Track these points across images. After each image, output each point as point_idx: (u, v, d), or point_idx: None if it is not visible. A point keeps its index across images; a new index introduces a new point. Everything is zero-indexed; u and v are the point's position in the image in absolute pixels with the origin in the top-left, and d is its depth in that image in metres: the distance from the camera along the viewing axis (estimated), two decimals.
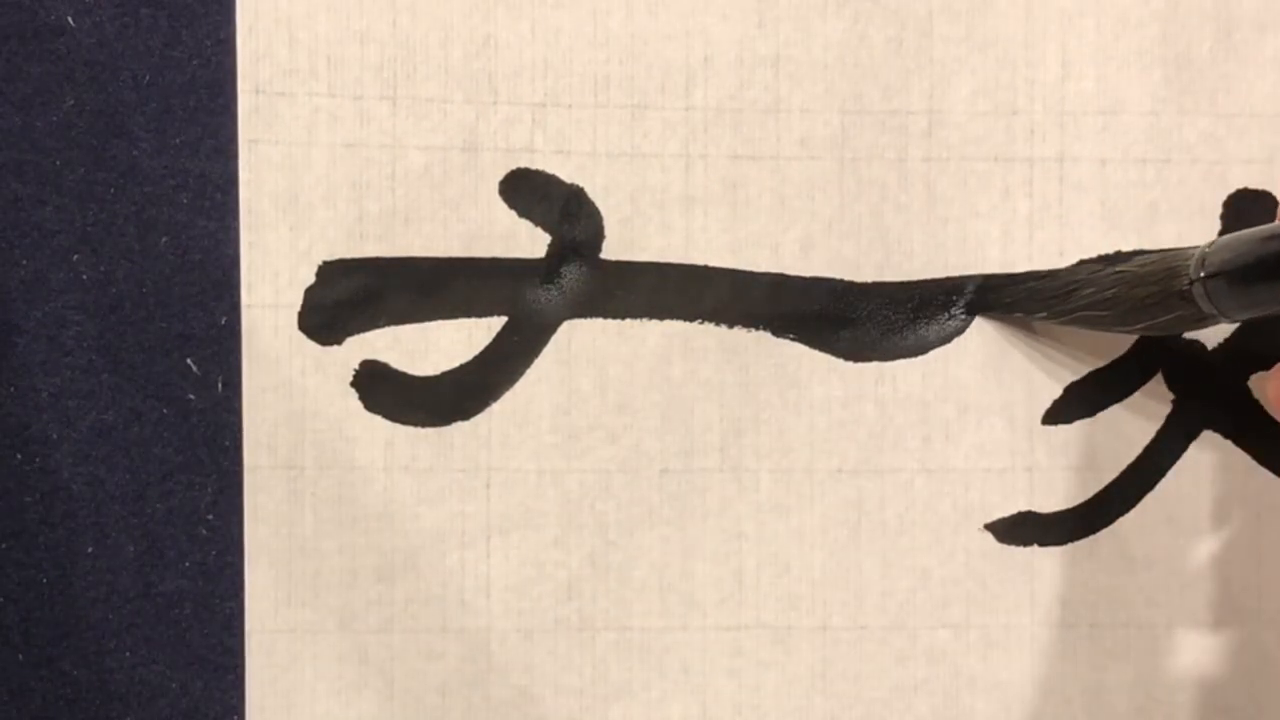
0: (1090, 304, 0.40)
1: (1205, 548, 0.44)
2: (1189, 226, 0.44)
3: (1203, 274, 0.37)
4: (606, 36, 0.41)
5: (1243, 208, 0.44)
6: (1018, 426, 0.43)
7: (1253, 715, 0.44)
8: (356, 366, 0.41)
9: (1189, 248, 0.38)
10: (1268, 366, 0.44)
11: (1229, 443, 0.44)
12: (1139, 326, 0.39)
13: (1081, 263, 0.42)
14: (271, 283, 0.40)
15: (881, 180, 0.42)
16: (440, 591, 0.41)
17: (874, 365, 0.43)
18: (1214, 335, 0.44)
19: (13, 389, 0.39)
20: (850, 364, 0.43)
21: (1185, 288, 0.37)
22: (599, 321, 0.42)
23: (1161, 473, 0.44)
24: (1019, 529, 0.43)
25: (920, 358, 0.43)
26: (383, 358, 0.41)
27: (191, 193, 0.40)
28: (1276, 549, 0.44)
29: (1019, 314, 0.42)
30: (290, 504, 0.41)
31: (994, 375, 0.43)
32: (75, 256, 0.40)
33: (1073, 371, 0.43)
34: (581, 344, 0.42)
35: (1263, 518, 0.44)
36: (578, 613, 0.42)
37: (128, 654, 0.40)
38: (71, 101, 0.39)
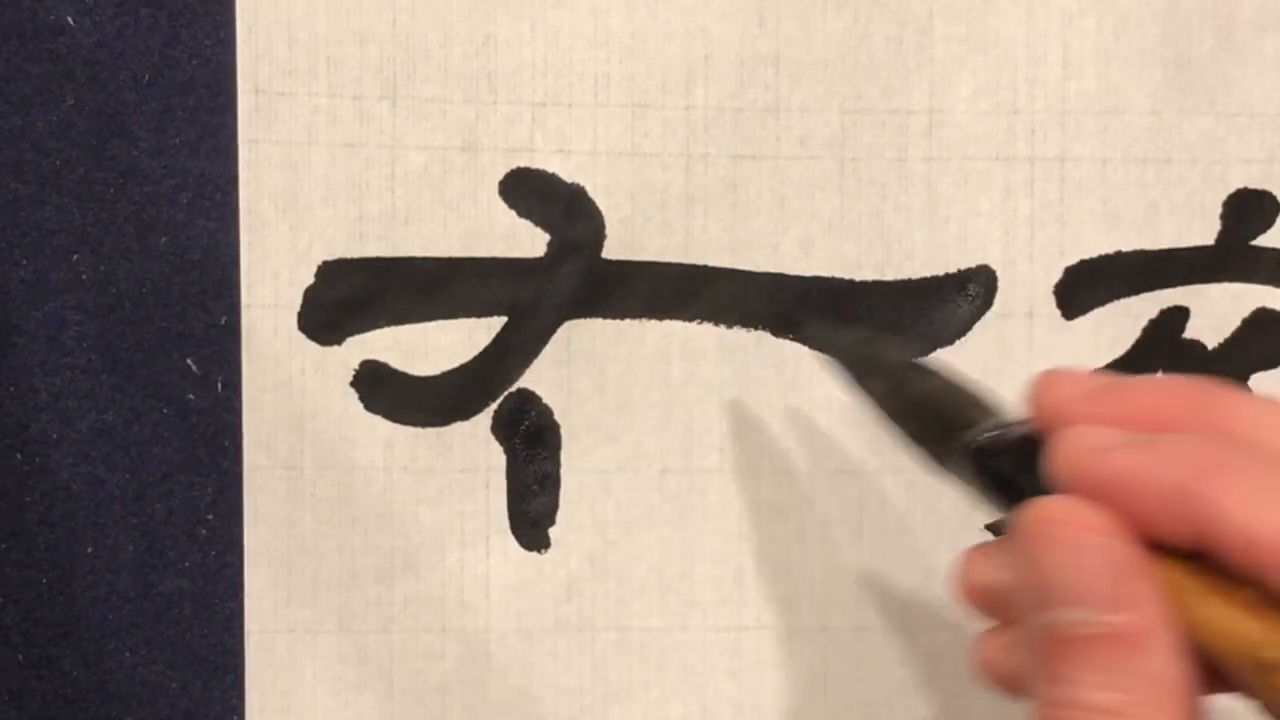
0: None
1: None
2: (1189, 227, 0.44)
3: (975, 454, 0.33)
4: (606, 36, 0.41)
5: (1243, 208, 0.44)
6: None
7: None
8: (356, 366, 0.41)
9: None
10: (1268, 367, 0.44)
11: None
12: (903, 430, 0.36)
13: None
14: (271, 283, 0.40)
15: (882, 180, 0.42)
16: (440, 592, 0.41)
17: None
18: (1214, 335, 0.44)
19: (13, 389, 0.39)
20: None
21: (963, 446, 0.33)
22: (598, 321, 0.42)
23: None
24: None
25: (921, 358, 0.43)
26: (383, 358, 0.41)
27: (191, 193, 0.40)
28: None
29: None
30: (290, 504, 0.41)
31: (994, 375, 0.43)
32: (75, 256, 0.39)
33: None
34: (581, 344, 0.42)
35: None
36: (578, 613, 0.42)
37: (127, 654, 0.40)
38: (71, 101, 0.39)
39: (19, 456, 0.40)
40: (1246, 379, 0.44)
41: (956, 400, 0.35)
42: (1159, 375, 0.30)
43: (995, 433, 0.32)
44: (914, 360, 0.38)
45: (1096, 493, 0.28)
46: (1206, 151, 0.43)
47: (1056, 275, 0.43)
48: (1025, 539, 0.28)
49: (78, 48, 0.39)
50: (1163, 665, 0.26)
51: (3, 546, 0.40)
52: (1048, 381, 0.30)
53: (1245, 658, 0.25)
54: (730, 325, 0.42)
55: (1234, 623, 0.26)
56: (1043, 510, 0.28)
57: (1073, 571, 0.27)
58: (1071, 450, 0.29)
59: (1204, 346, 0.44)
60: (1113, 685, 0.26)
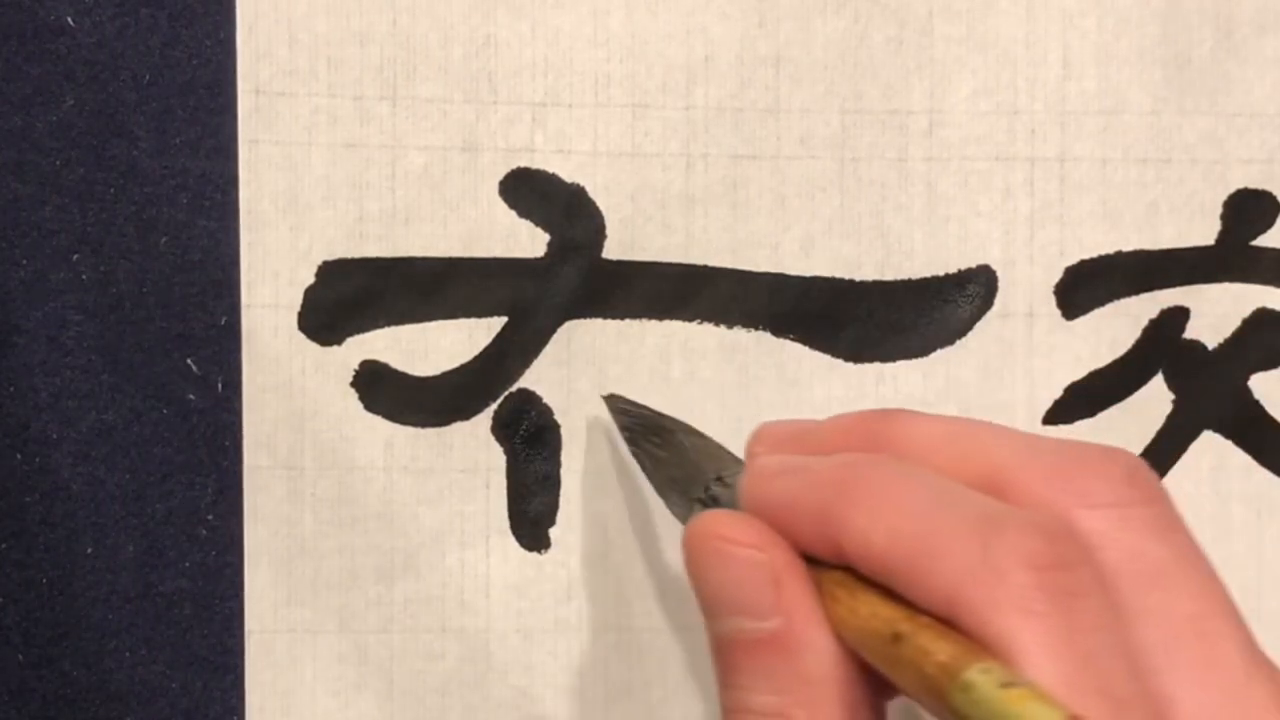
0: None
1: (1205, 548, 0.44)
2: (1189, 227, 0.44)
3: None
4: (607, 36, 0.41)
5: (1243, 208, 0.44)
6: (1018, 426, 0.43)
7: None
8: (356, 366, 0.41)
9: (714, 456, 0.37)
10: (1268, 367, 0.44)
11: (1229, 443, 0.44)
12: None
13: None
14: (271, 283, 0.40)
15: (882, 180, 0.42)
16: (440, 591, 0.41)
17: (874, 365, 0.43)
18: (1214, 335, 0.44)
19: (13, 389, 0.39)
20: (850, 364, 0.43)
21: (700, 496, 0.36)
22: (598, 321, 0.42)
23: (1161, 473, 0.44)
24: None
25: (921, 358, 0.43)
26: (383, 358, 0.41)
27: (191, 193, 0.40)
28: (1276, 549, 0.44)
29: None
30: (290, 504, 0.41)
31: (994, 375, 0.43)
32: (75, 256, 0.39)
33: (1073, 371, 0.43)
34: (581, 344, 0.42)
35: (1263, 518, 0.44)
36: (577, 613, 0.42)
37: (128, 654, 0.40)
38: (71, 101, 0.39)
39: (19, 456, 0.40)
40: (1246, 379, 0.44)
41: (703, 456, 0.37)
42: (851, 412, 0.32)
43: (719, 481, 0.35)
44: (673, 419, 0.39)
45: (764, 515, 0.30)
46: (1206, 151, 0.43)
47: (1056, 275, 0.43)
48: (686, 553, 0.30)
49: (78, 48, 0.39)
50: (816, 666, 0.28)
51: (3, 546, 0.40)
52: (760, 431, 0.33)
53: (881, 636, 0.27)
54: (730, 325, 0.42)
55: (872, 609, 0.27)
56: (700, 525, 0.30)
57: (726, 581, 0.29)
58: (748, 478, 0.31)
59: (1204, 346, 0.44)
60: (772, 688, 0.28)
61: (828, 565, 0.29)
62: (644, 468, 0.39)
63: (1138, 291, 0.44)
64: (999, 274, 0.43)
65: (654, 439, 0.39)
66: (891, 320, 0.43)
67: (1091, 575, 0.26)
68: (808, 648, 0.28)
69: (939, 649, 0.25)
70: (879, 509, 0.27)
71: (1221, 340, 0.44)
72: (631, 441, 0.40)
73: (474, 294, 0.41)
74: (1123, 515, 0.27)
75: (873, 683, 0.28)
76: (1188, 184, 0.43)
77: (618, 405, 0.41)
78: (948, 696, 0.25)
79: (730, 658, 0.29)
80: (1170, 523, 0.28)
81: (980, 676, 0.24)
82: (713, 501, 0.35)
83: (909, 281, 0.43)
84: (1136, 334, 0.44)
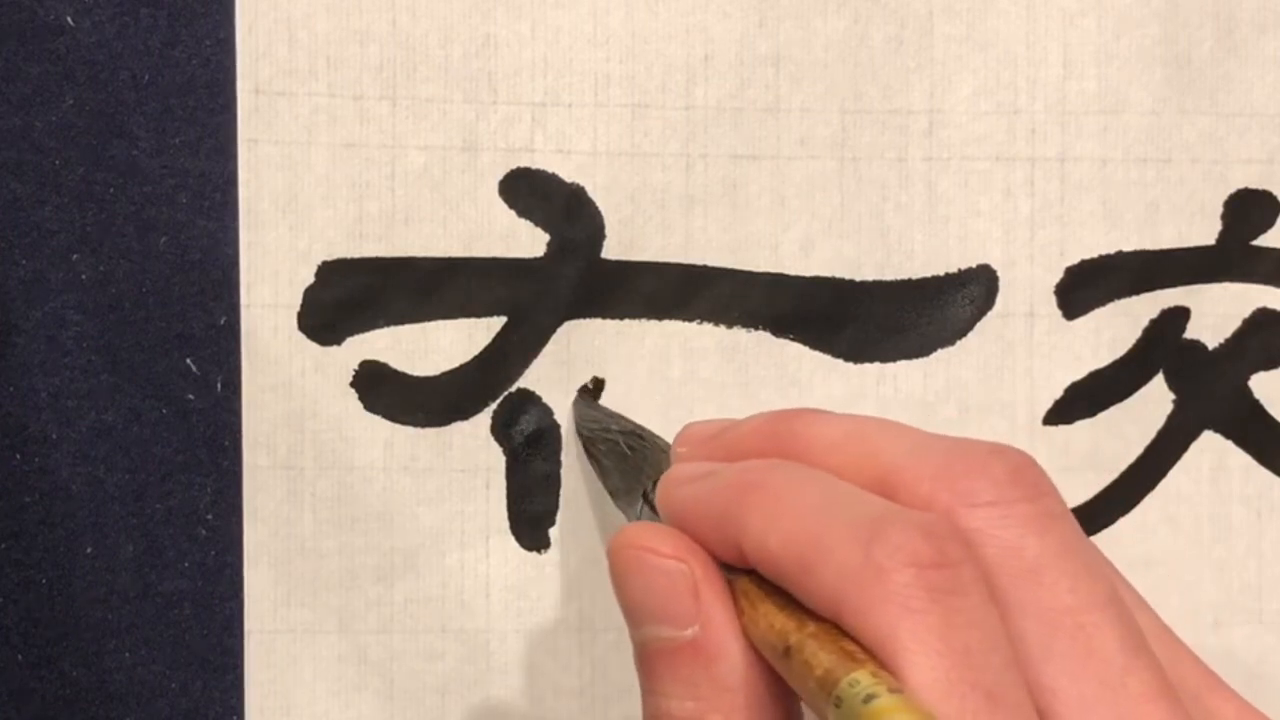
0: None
1: (1205, 548, 0.44)
2: (1189, 227, 0.44)
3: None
4: (606, 36, 0.41)
5: (1243, 208, 0.44)
6: (1018, 426, 0.43)
7: None
8: (356, 366, 0.41)
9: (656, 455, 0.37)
10: (1268, 367, 0.44)
11: (1229, 443, 0.44)
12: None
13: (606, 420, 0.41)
14: (271, 283, 0.40)
15: (882, 180, 0.42)
16: (440, 592, 0.41)
17: (875, 365, 0.43)
18: (1214, 335, 0.44)
19: (12, 389, 0.39)
20: (850, 364, 0.43)
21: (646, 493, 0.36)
22: (598, 321, 0.42)
23: (1161, 473, 0.44)
24: None
25: (921, 358, 0.43)
26: (382, 358, 0.41)
27: (191, 193, 0.40)
28: (1276, 549, 0.44)
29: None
30: (290, 504, 0.41)
31: (995, 375, 0.43)
32: (74, 256, 0.39)
33: (1073, 371, 0.43)
34: (581, 344, 0.42)
35: (1263, 518, 0.44)
36: (578, 613, 0.42)
37: (127, 654, 0.40)
38: (71, 101, 0.39)
39: (19, 456, 0.40)
40: (1247, 379, 0.44)
41: (644, 461, 0.37)
42: (762, 412, 0.32)
43: (647, 494, 0.35)
44: (622, 421, 0.40)
45: (676, 522, 0.31)
46: (1206, 151, 0.43)
47: (1057, 275, 0.43)
48: (609, 564, 0.31)
49: (78, 48, 0.39)
50: (730, 673, 0.28)
51: (3, 546, 0.40)
52: (683, 433, 0.34)
53: (775, 648, 0.27)
54: (730, 325, 0.42)
55: (769, 619, 0.28)
56: (622, 537, 0.31)
57: (647, 590, 0.30)
58: (660, 486, 0.32)
59: (1204, 346, 0.44)
60: (690, 695, 0.29)
61: (742, 572, 0.29)
62: (598, 477, 0.39)
63: (1138, 291, 0.44)
64: (999, 274, 0.43)
65: (600, 446, 0.39)
66: (891, 320, 0.43)
67: (972, 573, 0.26)
68: (723, 656, 0.29)
69: (819, 662, 0.26)
70: (773, 513, 0.28)
71: (1222, 340, 0.44)
72: (586, 453, 0.40)
73: (474, 294, 0.41)
74: (1003, 513, 0.28)
75: (787, 687, 0.29)
76: (1188, 184, 0.43)
77: (578, 408, 0.41)
78: (826, 713, 0.25)
79: (651, 665, 0.29)
80: (1052, 519, 0.28)
81: (847, 691, 0.24)
82: (649, 509, 0.35)
83: (909, 281, 0.43)
84: (1137, 334, 0.44)
